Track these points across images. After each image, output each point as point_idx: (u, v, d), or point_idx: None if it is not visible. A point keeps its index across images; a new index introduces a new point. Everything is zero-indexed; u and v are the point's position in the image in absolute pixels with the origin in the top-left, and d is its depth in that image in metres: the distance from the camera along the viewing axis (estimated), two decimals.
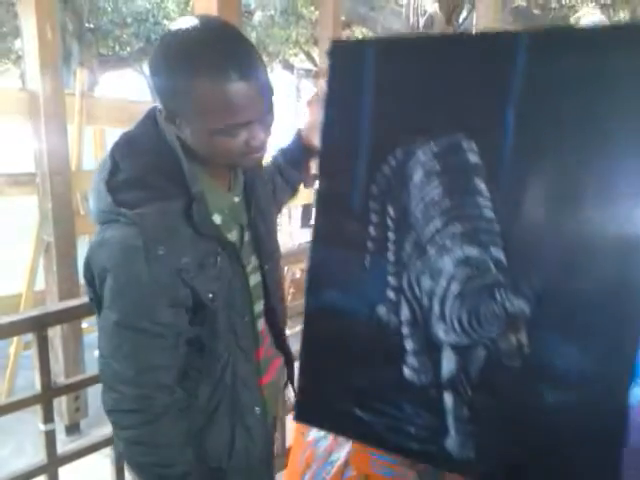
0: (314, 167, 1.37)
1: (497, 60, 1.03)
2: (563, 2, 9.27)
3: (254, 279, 1.17)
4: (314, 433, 1.46)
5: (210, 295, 1.02)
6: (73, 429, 2.89)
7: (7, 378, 3.15)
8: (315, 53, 11.37)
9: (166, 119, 0.99)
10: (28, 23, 2.47)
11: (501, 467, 1.07)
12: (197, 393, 1.10)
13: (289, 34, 9.78)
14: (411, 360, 1.13)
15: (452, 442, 1.09)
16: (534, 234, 1.01)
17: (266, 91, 0.97)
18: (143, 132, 1.04)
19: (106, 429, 1.64)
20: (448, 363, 1.10)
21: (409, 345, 1.13)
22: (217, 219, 1.07)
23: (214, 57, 0.91)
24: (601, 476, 1.00)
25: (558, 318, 0.99)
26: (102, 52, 10.62)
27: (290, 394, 1.43)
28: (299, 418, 1.28)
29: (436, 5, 5.67)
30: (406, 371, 1.13)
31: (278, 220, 1.45)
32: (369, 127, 1.15)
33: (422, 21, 5.78)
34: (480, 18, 3.50)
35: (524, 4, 8.02)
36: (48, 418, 1.49)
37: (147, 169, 0.98)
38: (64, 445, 1.68)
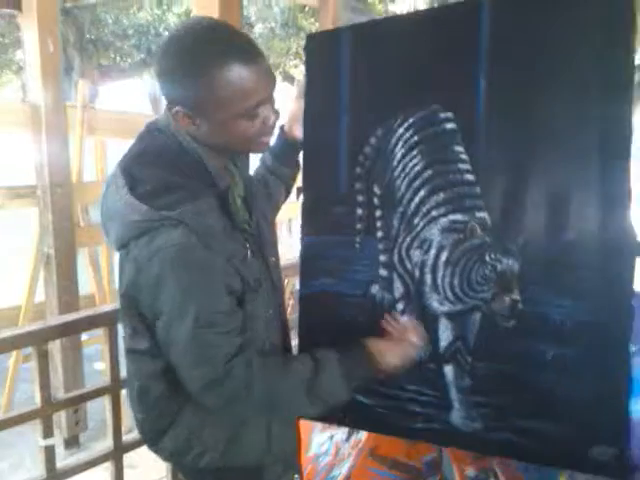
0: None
1: (463, 28, 1.04)
2: None
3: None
4: (315, 449, 1.45)
5: (252, 281, 1.05)
6: (72, 442, 2.87)
7: (6, 391, 3.13)
8: None
9: (184, 122, 1.02)
10: (30, 36, 2.48)
11: (509, 433, 1.05)
12: None
13: (289, 46, 9.83)
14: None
15: (457, 415, 1.08)
16: (514, 193, 1.02)
17: (271, 73, 1.03)
18: (153, 144, 1.06)
19: (106, 443, 1.63)
20: (445, 333, 1.10)
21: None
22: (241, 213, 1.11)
23: (225, 48, 0.98)
24: (609, 430, 0.98)
25: (547, 272, 0.99)
26: (103, 63, 10.66)
27: None
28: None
29: None
30: None
31: (278, 232, 1.45)
32: (348, 112, 1.16)
33: None
34: None
35: None
36: (48, 433, 1.48)
37: (171, 174, 1.01)
38: (63, 459, 1.67)
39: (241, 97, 0.98)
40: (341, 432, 1.39)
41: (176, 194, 0.98)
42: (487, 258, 1.03)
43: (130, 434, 1.66)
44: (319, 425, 1.39)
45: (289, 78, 12.57)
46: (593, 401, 0.98)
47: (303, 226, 1.22)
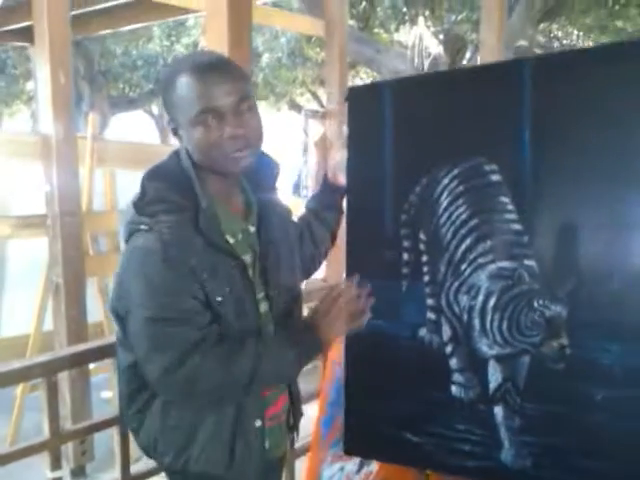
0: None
1: (506, 87, 1.09)
2: (564, 42, 9.44)
3: (263, 307, 1.21)
4: (326, 478, 1.43)
5: (219, 298, 1.11)
6: (79, 473, 2.84)
7: (13, 421, 3.12)
8: (321, 93, 11.56)
9: (173, 133, 1.15)
10: (42, 69, 2.52)
11: (560, 472, 1.07)
12: None
13: (296, 75, 9.96)
14: (457, 377, 1.15)
15: (507, 454, 1.10)
16: (562, 242, 1.05)
17: (238, 90, 1.10)
18: (167, 162, 1.19)
19: (112, 474, 1.62)
20: (494, 375, 1.12)
21: (454, 363, 1.15)
22: (230, 239, 1.16)
23: (189, 61, 1.15)
24: None
25: (595, 318, 1.01)
26: (112, 94, 10.83)
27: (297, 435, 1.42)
28: (349, 450, 1.28)
29: (440, 47, 5.79)
30: (453, 389, 1.15)
31: None
32: (393, 161, 1.21)
33: (427, 63, 5.89)
34: (484, 59, 3.56)
35: (526, 44, 8.16)
36: (56, 465, 1.47)
37: (166, 189, 1.13)
38: None
39: (192, 101, 1.08)
40: (352, 463, 1.38)
41: (160, 205, 1.10)
42: (535, 304, 1.06)
43: (137, 464, 1.64)
44: (329, 457, 1.38)
45: (295, 106, 12.72)
46: None
47: (349, 268, 1.26)
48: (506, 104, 1.07)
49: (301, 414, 1.36)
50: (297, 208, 1.76)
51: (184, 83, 1.09)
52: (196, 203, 1.11)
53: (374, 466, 1.35)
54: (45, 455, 1.47)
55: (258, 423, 1.19)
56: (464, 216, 1.12)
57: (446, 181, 1.13)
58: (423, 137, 1.17)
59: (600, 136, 1.00)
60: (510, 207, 1.08)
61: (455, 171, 1.12)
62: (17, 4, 3.91)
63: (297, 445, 1.93)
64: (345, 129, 1.28)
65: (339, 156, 1.36)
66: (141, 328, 1.09)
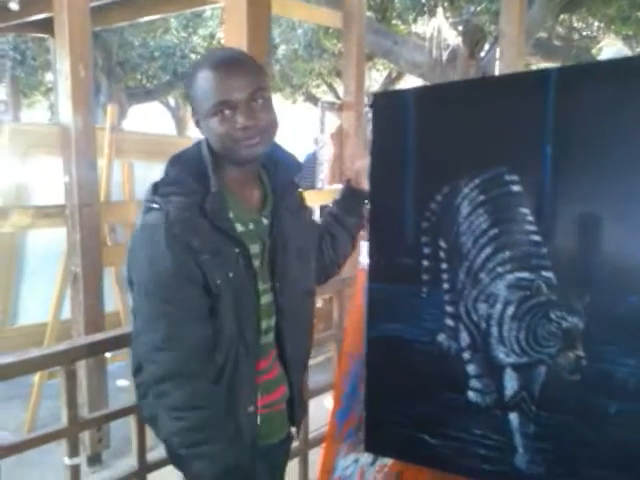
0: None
1: (529, 98, 1.09)
2: (584, 33, 9.30)
3: (269, 297, 1.25)
4: (340, 471, 1.44)
5: (218, 281, 1.14)
6: (95, 460, 2.88)
7: (30, 408, 3.17)
8: (337, 85, 11.52)
9: (196, 124, 1.22)
10: (62, 62, 2.54)
11: (571, 479, 1.08)
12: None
13: (312, 67, 9.93)
14: (474, 383, 1.17)
15: (521, 459, 1.12)
16: (580, 254, 1.06)
17: (253, 84, 1.17)
18: (190, 149, 1.26)
19: (129, 460, 1.64)
20: (510, 383, 1.13)
21: (471, 369, 1.17)
22: (238, 227, 1.20)
23: (210, 57, 1.23)
24: None
25: (612, 331, 1.02)
26: (130, 85, 10.87)
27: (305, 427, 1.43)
28: (369, 449, 1.32)
29: (459, 39, 5.73)
30: (470, 394, 1.17)
31: None
32: (415, 169, 1.22)
33: (445, 55, 5.84)
34: (503, 51, 3.53)
35: (545, 36, 8.06)
36: (74, 452, 1.49)
37: (183, 172, 1.20)
38: (85, 477, 1.67)
39: (209, 94, 1.15)
40: (366, 456, 1.39)
41: (174, 187, 1.17)
42: (552, 315, 1.07)
43: (153, 452, 1.66)
44: (344, 449, 1.38)
45: (311, 98, 12.69)
46: None
47: (370, 273, 1.28)
48: (529, 115, 1.08)
49: (304, 408, 1.37)
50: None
51: (203, 77, 1.16)
52: (208, 188, 1.17)
53: (388, 459, 1.36)
54: (62, 442, 1.49)
55: (251, 409, 1.22)
56: (484, 225, 1.13)
57: (467, 190, 1.14)
58: (445, 145, 1.18)
59: (624, 150, 0.99)
60: (530, 218, 1.08)
61: (476, 180, 1.13)
62: None
63: (311, 436, 1.95)
64: (369, 135, 1.30)
65: (362, 162, 1.38)
66: (140, 302, 1.16)
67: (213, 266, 1.14)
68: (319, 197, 3.58)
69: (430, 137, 1.19)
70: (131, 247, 1.18)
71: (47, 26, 3.81)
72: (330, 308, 2.10)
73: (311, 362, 1.40)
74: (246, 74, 1.17)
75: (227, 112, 1.15)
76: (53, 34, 2.73)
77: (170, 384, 1.13)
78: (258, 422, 1.23)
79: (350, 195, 1.46)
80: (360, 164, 1.43)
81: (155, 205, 1.15)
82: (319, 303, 4.58)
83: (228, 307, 1.16)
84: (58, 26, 2.55)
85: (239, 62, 1.19)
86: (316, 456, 1.75)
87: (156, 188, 1.18)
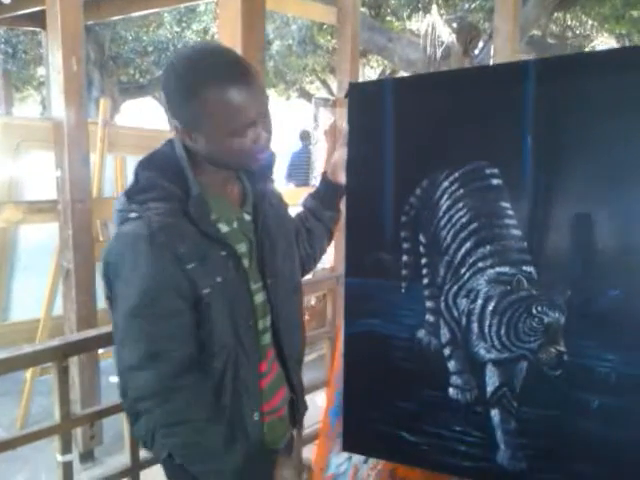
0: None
1: (509, 90, 1.08)
2: (578, 32, 9.33)
3: (262, 296, 1.21)
4: (333, 469, 1.44)
5: (207, 290, 1.08)
6: (87, 457, 2.87)
7: (22, 404, 3.15)
8: (331, 81, 11.51)
9: (182, 135, 1.12)
10: (55, 56, 2.52)
11: (555, 475, 1.08)
12: (204, 390, 1.12)
13: (306, 63, 9.92)
14: (455, 379, 1.15)
15: (503, 456, 1.11)
16: (560, 248, 1.05)
17: (263, 94, 1.12)
18: (161, 150, 1.18)
19: (121, 457, 1.63)
20: (491, 379, 1.12)
21: (452, 365, 1.16)
22: (223, 228, 1.14)
23: (218, 68, 1.07)
24: None
25: (593, 326, 1.01)
26: (122, 80, 10.82)
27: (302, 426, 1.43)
28: (347, 447, 1.29)
29: (453, 36, 5.73)
30: (451, 391, 1.15)
31: None
32: (393, 162, 1.19)
33: (439, 52, 5.84)
34: (497, 49, 3.53)
35: (539, 34, 8.08)
36: (66, 448, 1.48)
37: (158, 177, 1.11)
38: (78, 473, 1.67)
39: (234, 115, 1.07)
40: None
41: (150, 193, 1.09)
42: (534, 310, 1.06)
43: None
44: (337, 445, 1.38)
45: (305, 94, 12.67)
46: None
47: (347, 268, 1.25)
48: (508, 107, 1.07)
49: (305, 407, 1.36)
50: (291, 195, 1.75)
51: (216, 96, 1.05)
52: (187, 191, 1.10)
53: None
54: (54, 439, 1.49)
55: (256, 417, 1.18)
56: (464, 219, 1.11)
57: (446, 184, 1.13)
58: (424, 138, 1.16)
59: (605, 144, 0.99)
60: (510, 212, 1.07)
61: (456, 174, 1.11)
62: None
63: (304, 433, 1.95)
64: (345, 126, 1.26)
65: (339, 154, 1.34)
66: (122, 318, 1.08)
67: (201, 274, 1.07)
68: None
69: (409, 129, 1.17)
70: (107, 260, 1.09)
71: (39, 19, 3.79)
72: (323, 306, 2.10)
73: (304, 359, 1.40)
74: (258, 85, 1.10)
75: (248, 130, 1.09)
76: (45, 27, 2.72)
77: (152, 402, 1.08)
78: (264, 430, 1.21)
79: (327, 188, 1.41)
80: (337, 156, 1.36)
81: (133, 214, 1.07)
82: (312, 301, 4.58)
83: (220, 314, 1.10)
84: (50, 19, 2.53)
85: (249, 72, 1.09)
86: (309, 453, 1.75)
87: (130, 196, 1.10)
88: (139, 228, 1.05)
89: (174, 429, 1.09)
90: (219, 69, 1.07)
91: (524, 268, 1.06)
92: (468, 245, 1.11)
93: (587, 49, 8.74)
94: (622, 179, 0.98)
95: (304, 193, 1.48)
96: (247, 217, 1.21)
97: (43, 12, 2.65)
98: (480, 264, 1.10)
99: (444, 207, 1.13)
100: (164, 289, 1.05)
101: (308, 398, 1.42)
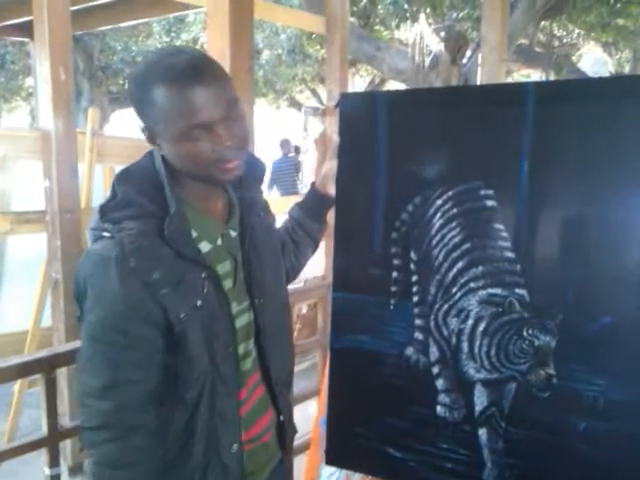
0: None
1: (507, 111, 1.07)
2: (564, 40, 9.43)
3: (247, 317, 1.15)
4: (324, 479, 1.43)
5: (182, 315, 1.01)
6: (76, 470, 2.83)
7: (11, 417, 3.12)
8: (321, 90, 11.55)
9: (150, 142, 1.05)
10: (42, 65, 2.51)
11: None
12: (172, 421, 1.05)
13: (295, 72, 9.96)
14: (443, 398, 1.15)
15: (489, 474, 1.11)
16: (554, 273, 1.05)
17: (225, 97, 1.00)
18: (139, 163, 1.09)
19: None
20: (480, 398, 1.12)
21: (440, 384, 1.15)
22: (205, 247, 1.08)
23: (169, 67, 0.98)
24: None
25: (583, 350, 1.02)
26: (112, 90, 10.80)
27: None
28: (331, 461, 1.28)
29: (441, 45, 5.77)
30: (439, 409, 1.15)
31: None
32: (385, 177, 1.18)
33: (427, 61, 5.88)
34: (485, 57, 3.56)
35: (526, 42, 8.15)
36: (54, 462, 1.47)
37: (135, 192, 1.03)
38: None
39: (179, 115, 0.97)
40: None
41: (126, 210, 1.01)
42: (525, 333, 1.06)
43: None
44: None
45: (295, 104, 12.71)
46: (628, 473, 1.00)
47: (335, 282, 1.24)
48: (507, 129, 1.06)
49: (294, 431, 1.29)
50: (277, 204, 1.73)
51: (162, 95, 0.97)
52: (165, 208, 1.02)
53: None
54: (42, 452, 1.47)
55: (234, 447, 1.10)
56: (457, 239, 1.11)
57: (440, 202, 1.12)
58: (418, 154, 1.15)
59: (601, 169, 0.99)
60: (504, 234, 1.07)
61: (450, 192, 1.11)
62: None
63: (295, 443, 1.93)
64: (336, 138, 1.23)
65: (329, 166, 1.29)
66: (86, 341, 1.02)
67: (175, 299, 1.00)
68: None
69: (402, 144, 1.15)
70: (77, 279, 1.02)
71: (27, 30, 3.78)
72: (314, 314, 2.09)
73: (295, 368, 1.38)
74: (217, 85, 0.99)
75: (200, 135, 0.98)
76: (33, 38, 2.70)
77: (101, 436, 1.00)
78: (245, 459, 1.13)
79: (315, 199, 1.36)
80: (327, 167, 1.31)
81: (105, 234, 0.99)
82: (304, 309, 4.57)
83: (197, 340, 1.03)
84: (38, 30, 2.52)
85: (205, 70, 0.99)
86: (300, 463, 1.74)
87: (104, 213, 1.01)
88: (109, 250, 0.98)
89: (117, 471, 1.02)
90: (170, 68, 0.98)
91: (516, 290, 1.06)
92: (460, 265, 1.11)
93: (574, 58, 8.83)
94: (618, 206, 0.98)
95: (290, 202, 1.47)
96: (233, 233, 1.14)
97: (31, 22, 2.64)
98: (472, 284, 1.10)
99: (437, 225, 1.13)
100: (131, 316, 0.98)
101: (300, 407, 1.41)
